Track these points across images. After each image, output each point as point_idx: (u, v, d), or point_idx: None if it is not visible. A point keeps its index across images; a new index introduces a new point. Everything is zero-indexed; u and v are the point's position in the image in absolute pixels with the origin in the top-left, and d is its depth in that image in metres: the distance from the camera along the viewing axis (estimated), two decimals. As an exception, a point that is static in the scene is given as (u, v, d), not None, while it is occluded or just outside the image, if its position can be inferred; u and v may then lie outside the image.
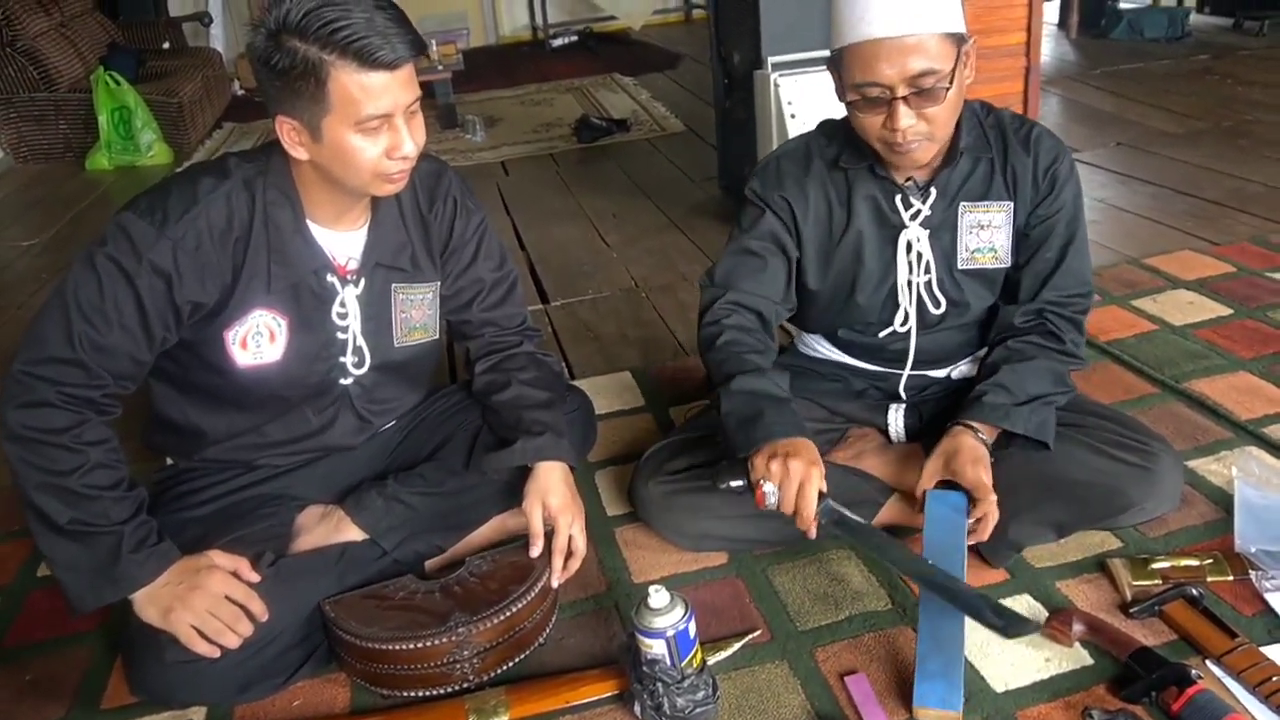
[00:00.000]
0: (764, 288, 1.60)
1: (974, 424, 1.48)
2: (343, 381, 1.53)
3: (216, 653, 1.33)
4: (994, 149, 1.53)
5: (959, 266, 1.58)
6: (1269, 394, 1.98)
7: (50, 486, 1.30)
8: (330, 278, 1.44)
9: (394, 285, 1.51)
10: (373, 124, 1.26)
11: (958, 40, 1.37)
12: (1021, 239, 1.58)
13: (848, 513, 1.40)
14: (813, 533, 1.39)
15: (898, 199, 1.54)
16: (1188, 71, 4.88)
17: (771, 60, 2.85)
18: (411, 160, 1.33)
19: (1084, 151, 3.74)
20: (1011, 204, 1.55)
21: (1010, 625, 1.26)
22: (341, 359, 1.50)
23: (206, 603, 1.32)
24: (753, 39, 2.97)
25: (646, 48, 7.23)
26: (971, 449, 1.45)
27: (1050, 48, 5.64)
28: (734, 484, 1.42)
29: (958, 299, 1.60)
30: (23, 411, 1.30)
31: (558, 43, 7.52)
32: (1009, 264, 1.59)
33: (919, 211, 1.54)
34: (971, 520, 1.42)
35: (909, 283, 1.59)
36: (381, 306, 1.51)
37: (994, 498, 1.41)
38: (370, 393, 1.57)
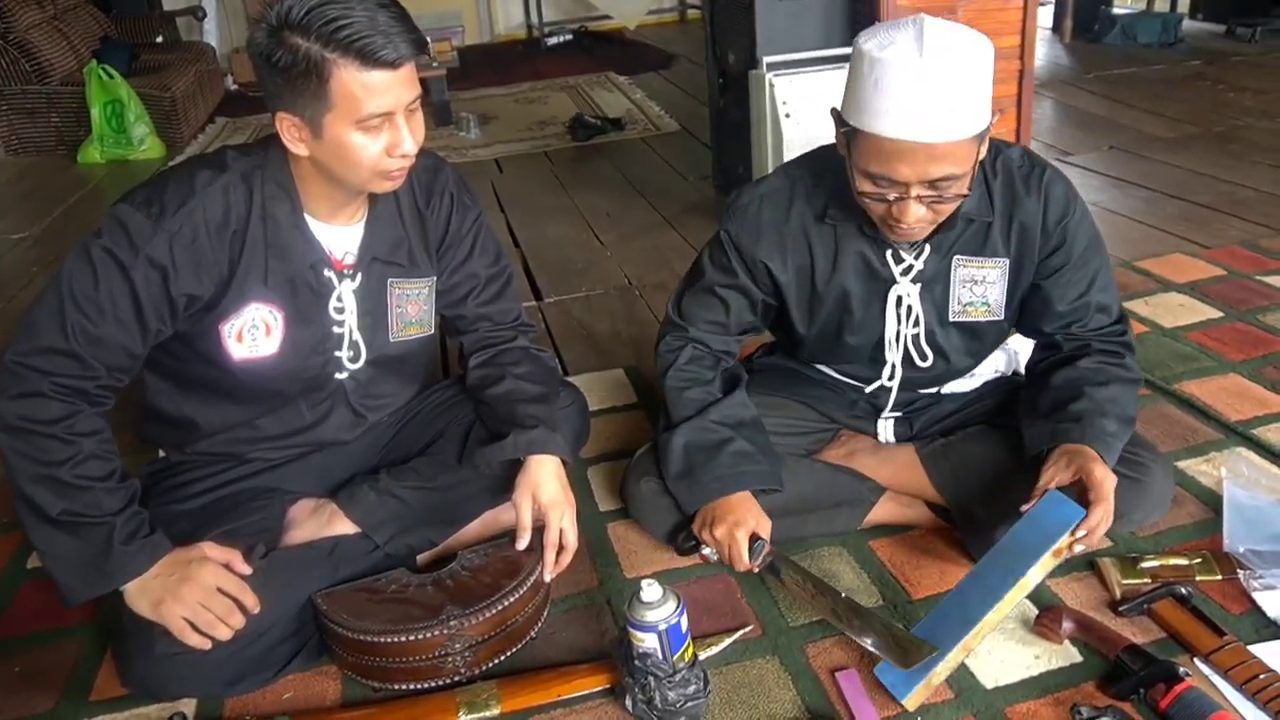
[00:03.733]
0: (724, 330, 1.63)
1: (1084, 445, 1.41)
2: (338, 376, 1.53)
3: (208, 645, 1.32)
4: (996, 208, 1.47)
5: (950, 319, 1.55)
6: (1258, 396, 1.99)
7: (42, 477, 1.29)
8: (327, 272, 1.44)
9: (390, 280, 1.51)
10: (374, 122, 1.27)
11: (980, 137, 1.29)
12: (1033, 291, 1.53)
13: (782, 560, 1.48)
14: (755, 570, 1.48)
15: (888, 254, 1.50)
16: (1180, 77, 4.90)
17: (767, 60, 2.85)
18: (411, 158, 1.34)
19: (1076, 155, 3.75)
20: (1007, 261, 1.50)
21: (909, 655, 1.30)
22: (337, 353, 1.50)
23: (198, 595, 1.32)
24: (748, 39, 2.97)
25: (641, 47, 7.23)
26: (1094, 451, 1.39)
27: (1044, 52, 5.65)
28: (689, 545, 1.58)
29: (945, 350, 1.58)
30: (15, 402, 1.29)
31: (552, 41, 7.51)
32: (1001, 318, 1.56)
33: (911, 267, 1.50)
34: (1083, 528, 1.33)
35: (897, 334, 1.56)
36: (377, 301, 1.51)
37: (1113, 503, 1.35)
38: (365, 387, 1.57)
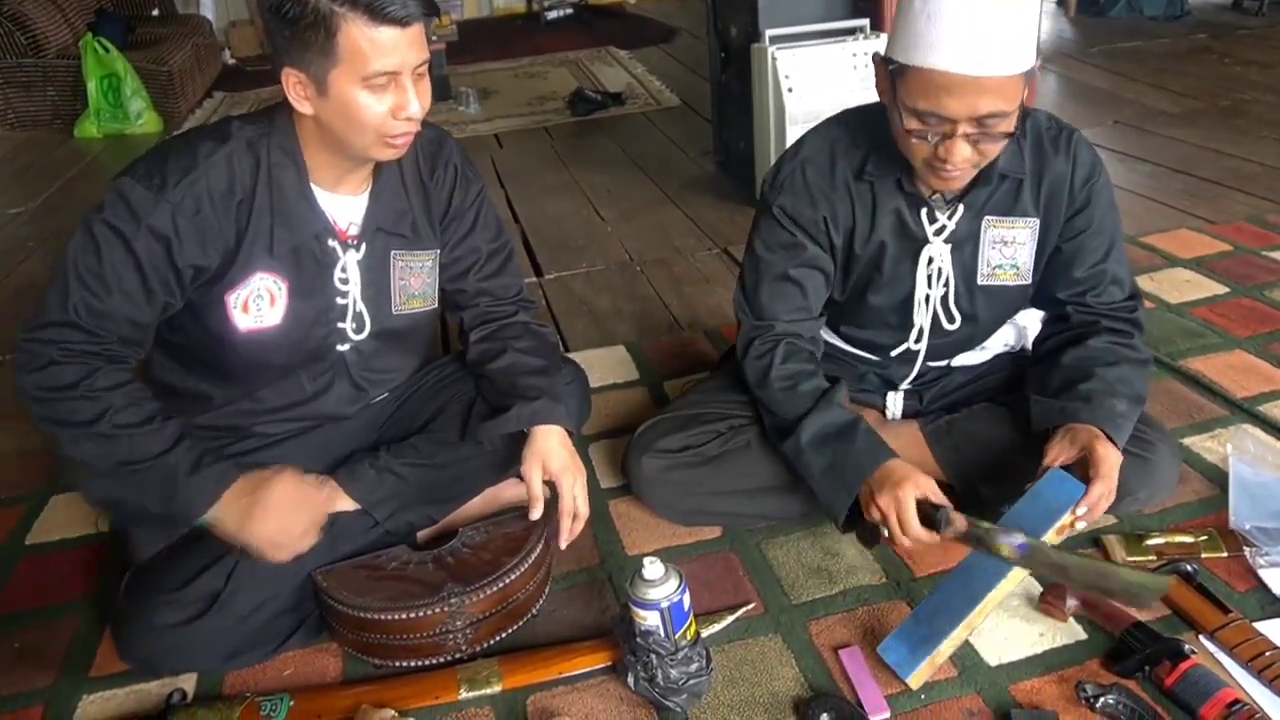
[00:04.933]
0: (808, 313, 1.57)
1: (1092, 425, 1.40)
2: (340, 348, 1.51)
3: (290, 556, 1.36)
4: (1028, 167, 1.47)
5: (978, 282, 1.54)
6: (1265, 372, 1.98)
7: (82, 438, 1.29)
8: (331, 242, 1.42)
9: (393, 252, 1.50)
10: (380, 80, 1.25)
11: (1027, 78, 1.28)
12: (1053, 254, 1.53)
13: (967, 521, 1.32)
14: (944, 540, 1.33)
15: (923, 212, 1.49)
16: (1186, 50, 4.86)
17: (769, 33, 2.82)
18: (416, 123, 1.32)
19: (1081, 130, 3.71)
20: (1037, 221, 1.50)
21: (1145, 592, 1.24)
22: (340, 324, 1.49)
23: (282, 512, 1.33)
24: (750, 12, 2.94)
25: (642, 21, 7.17)
26: (1100, 430, 1.39)
27: (1048, 25, 5.60)
28: (869, 533, 1.43)
29: (971, 313, 1.56)
30: (33, 375, 1.28)
31: (552, 15, 7.44)
32: (1029, 281, 1.55)
33: (943, 226, 1.49)
34: (1084, 504, 1.32)
35: (926, 297, 1.54)
36: (381, 273, 1.49)
37: (1115, 481, 1.34)
38: (367, 360, 1.56)
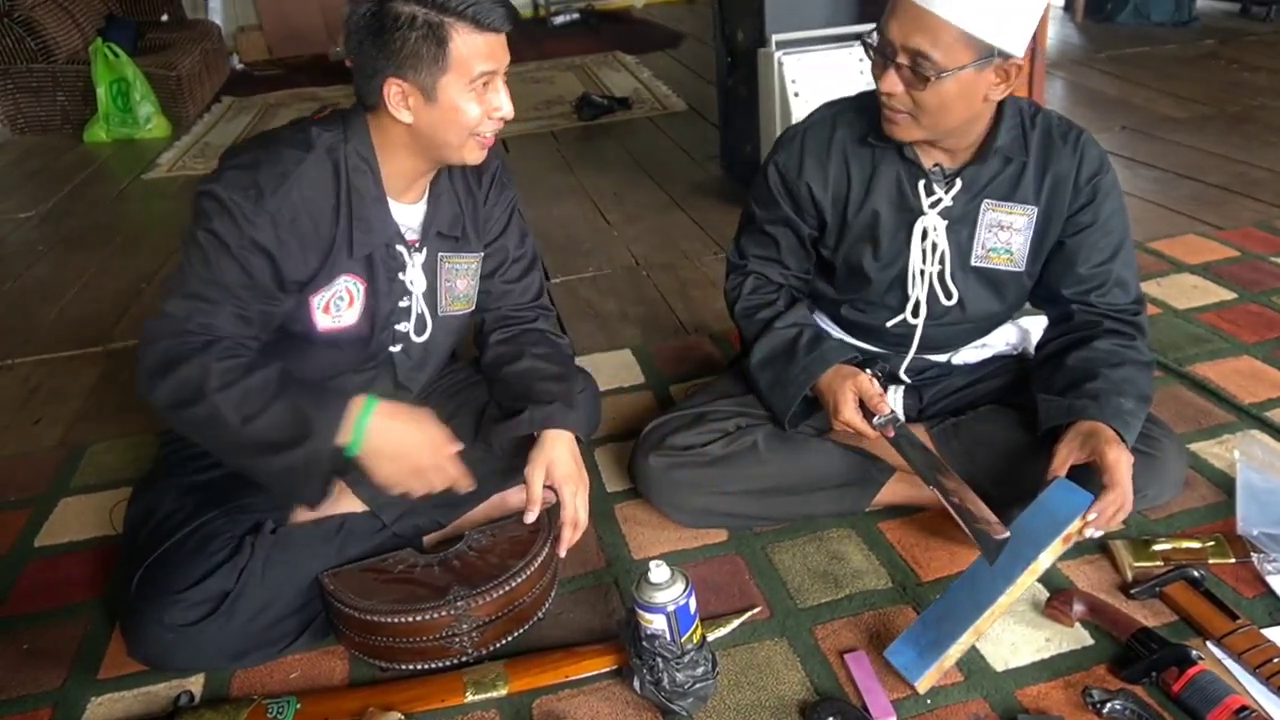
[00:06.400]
0: (779, 263, 1.68)
1: (1104, 422, 1.41)
2: (392, 348, 1.55)
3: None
4: (1031, 153, 1.50)
5: (972, 263, 1.57)
6: (1272, 378, 1.97)
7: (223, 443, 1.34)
8: (400, 247, 1.47)
9: (440, 255, 1.53)
10: (481, 80, 1.33)
11: (981, 49, 1.32)
12: (1057, 249, 1.56)
13: (894, 428, 1.48)
14: (889, 433, 1.48)
15: (920, 184, 1.52)
16: (1193, 56, 4.85)
17: (775, 38, 2.83)
18: (505, 123, 1.39)
19: (1088, 135, 3.72)
20: (1035, 209, 1.52)
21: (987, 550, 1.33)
22: (399, 326, 1.52)
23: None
24: (757, 17, 2.94)
25: (649, 26, 7.18)
26: (1110, 433, 1.39)
27: (1056, 31, 5.61)
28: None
29: (965, 295, 1.59)
30: (158, 382, 1.30)
31: (559, 20, 7.46)
32: (1022, 269, 1.57)
33: (939, 200, 1.52)
34: (1093, 510, 1.33)
35: (921, 271, 1.57)
36: (434, 276, 1.54)
37: (1128, 486, 1.34)
38: (412, 359, 1.59)
